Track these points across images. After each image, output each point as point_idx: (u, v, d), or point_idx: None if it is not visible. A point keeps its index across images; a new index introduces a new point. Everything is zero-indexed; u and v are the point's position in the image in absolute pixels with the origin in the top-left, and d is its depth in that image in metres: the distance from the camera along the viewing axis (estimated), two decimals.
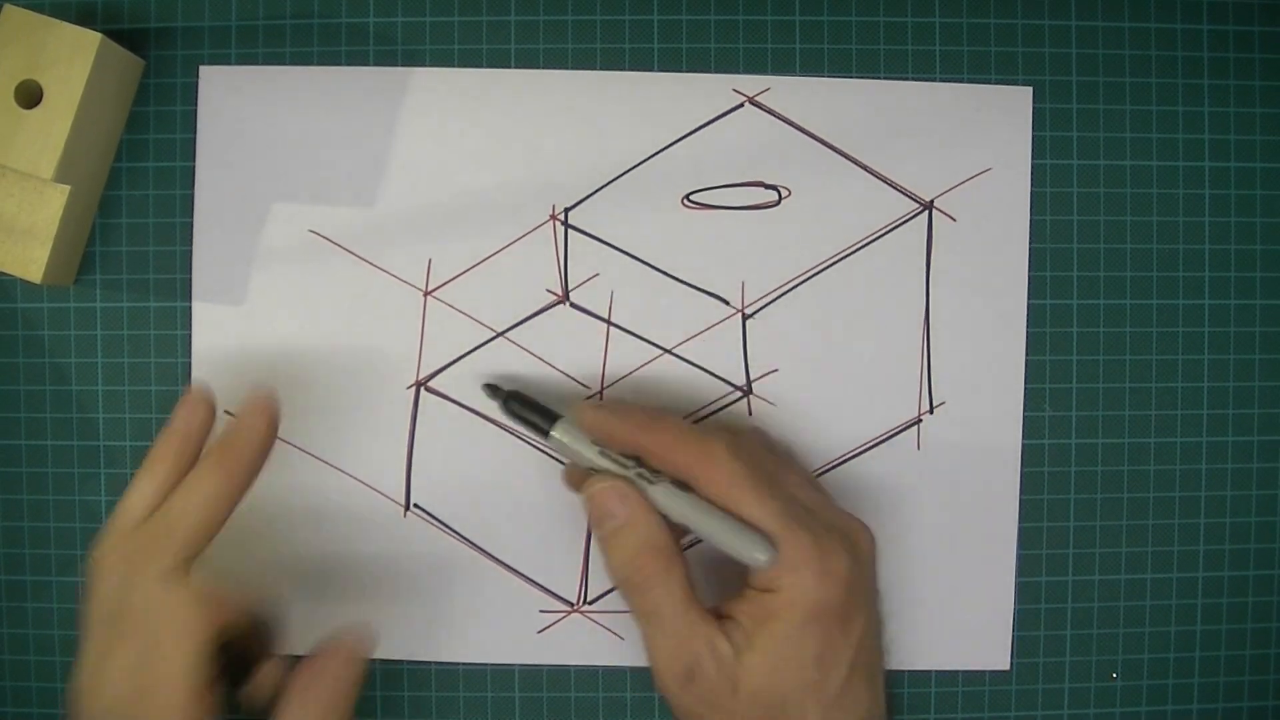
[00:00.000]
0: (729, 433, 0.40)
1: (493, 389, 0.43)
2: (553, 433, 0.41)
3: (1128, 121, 0.46)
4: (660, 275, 0.45)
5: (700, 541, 0.42)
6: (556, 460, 0.45)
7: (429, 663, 0.46)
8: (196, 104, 0.45)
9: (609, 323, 0.45)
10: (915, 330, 0.46)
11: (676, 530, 0.39)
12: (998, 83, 0.45)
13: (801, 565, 0.37)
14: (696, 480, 0.39)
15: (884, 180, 0.45)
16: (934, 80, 0.45)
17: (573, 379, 0.45)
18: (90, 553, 0.39)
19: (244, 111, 0.45)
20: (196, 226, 0.45)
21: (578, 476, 0.42)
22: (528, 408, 0.42)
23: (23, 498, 0.45)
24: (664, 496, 0.39)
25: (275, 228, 0.45)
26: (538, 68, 0.45)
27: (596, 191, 0.45)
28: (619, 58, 0.45)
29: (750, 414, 0.45)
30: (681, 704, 0.39)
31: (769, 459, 0.41)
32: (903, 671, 0.46)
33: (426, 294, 0.45)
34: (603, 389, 0.45)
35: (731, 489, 0.38)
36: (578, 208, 0.45)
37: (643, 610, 0.39)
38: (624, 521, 0.39)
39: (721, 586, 0.41)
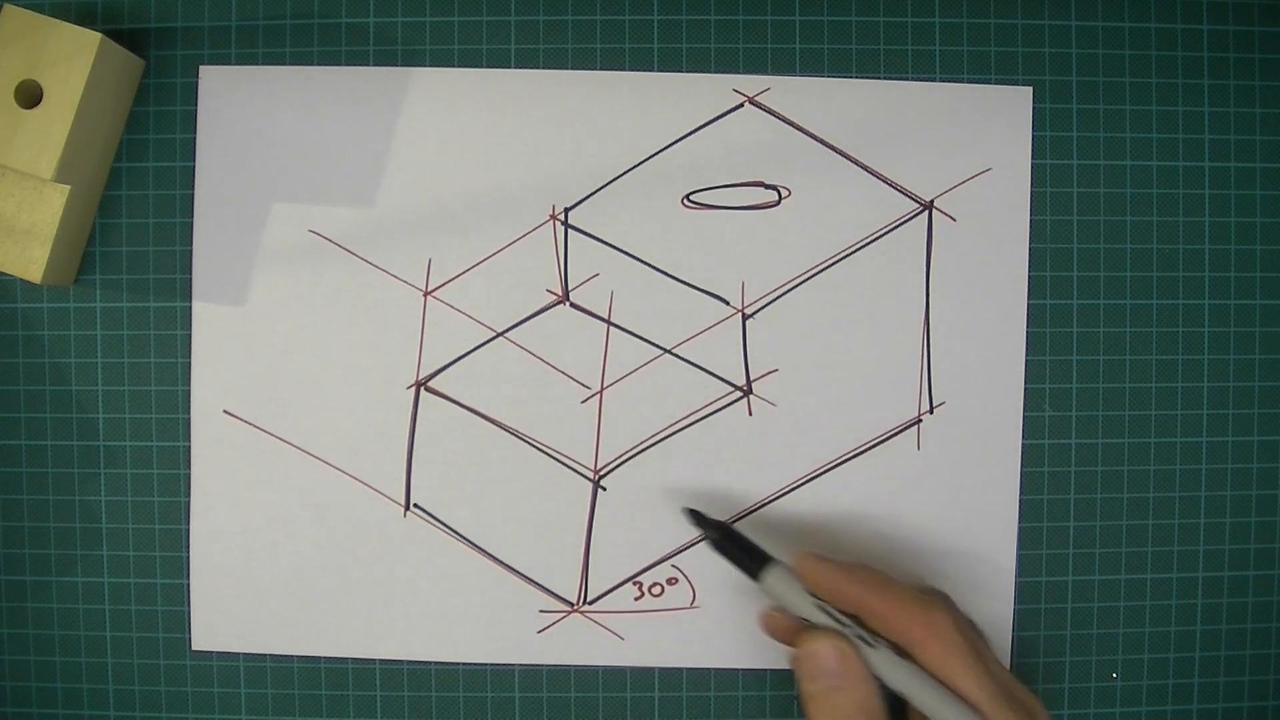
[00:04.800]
0: (943, 600, 0.40)
1: (698, 518, 0.43)
2: (765, 577, 0.40)
3: (1128, 121, 0.46)
4: (660, 275, 0.45)
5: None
6: (558, 462, 0.45)
7: (429, 663, 0.46)
8: (196, 104, 0.45)
9: (609, 323, 0.45)
10: (915, 330, 0.45)
11: (884, 696, 0.39)
12: (998, 83, 0.45)
13: None
14: (915, 647, 0.39)
15: (884, 180, 0.45)
16: (934, 80, 0.45)
17: (573, 379, 0.45)
18: None
19: (244, 111, 0.45)
20: (196, 226, 0.45)
21: (780, 623, 0.42)
22: (739, 548, 0.41)
23: (23, 498, 0.45)
24: (884, 663, 0.39)
25: (275, 228, 0.45)
26: (538, 68, 0.45)
27: (596, 191, 0.45)
28: (619, 58, 0.45)
29: (750, 414, 0.45)
30: None
31: (973, 632, 0.41)
32: None
33: (426, 294, 0.45)
34: (602, 389, 0.45)
35: (950, 660, 0.38)
36: (578, 208, 0.45)
37: None
38: (841, 683, 0.39)
39: None
